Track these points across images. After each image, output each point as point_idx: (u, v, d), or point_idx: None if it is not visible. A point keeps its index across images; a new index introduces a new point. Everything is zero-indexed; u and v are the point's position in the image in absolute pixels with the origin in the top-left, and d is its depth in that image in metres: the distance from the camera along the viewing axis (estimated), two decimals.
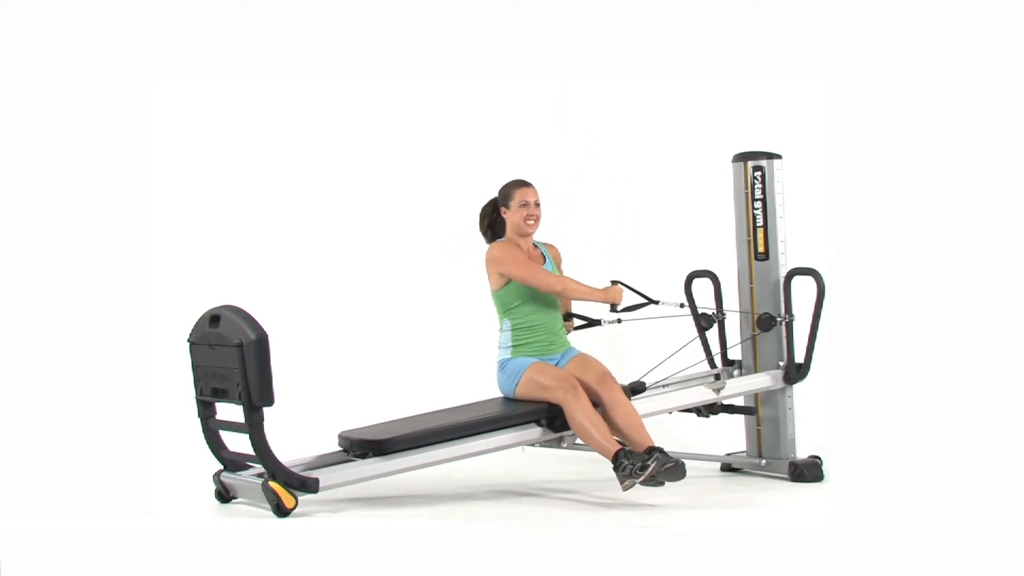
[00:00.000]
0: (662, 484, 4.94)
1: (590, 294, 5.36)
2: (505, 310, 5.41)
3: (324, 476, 4.92)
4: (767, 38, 6.81)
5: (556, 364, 5.36)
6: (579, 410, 5.11)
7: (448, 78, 7.18)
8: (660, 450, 4.98)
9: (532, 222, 5.40)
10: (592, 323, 5.62)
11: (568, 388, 5.15)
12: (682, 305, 5.63)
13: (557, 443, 5.38)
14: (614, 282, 5.44)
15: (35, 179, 6.66)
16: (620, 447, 5.02)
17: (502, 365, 5.40)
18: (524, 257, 5.35)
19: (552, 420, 5.24)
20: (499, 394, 5.49)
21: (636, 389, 5.35)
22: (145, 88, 6.88)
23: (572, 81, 7.16)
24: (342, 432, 5.25)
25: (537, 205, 5.42)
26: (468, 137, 7.28)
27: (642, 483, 4.90)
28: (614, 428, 5.14)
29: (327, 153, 7.26)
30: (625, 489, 4.96)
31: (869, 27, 6.33)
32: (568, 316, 5.60)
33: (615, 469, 4.98)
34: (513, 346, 5.39)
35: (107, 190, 6.76)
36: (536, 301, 5.37)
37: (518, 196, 5.40)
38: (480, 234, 5.56)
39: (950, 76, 6.02)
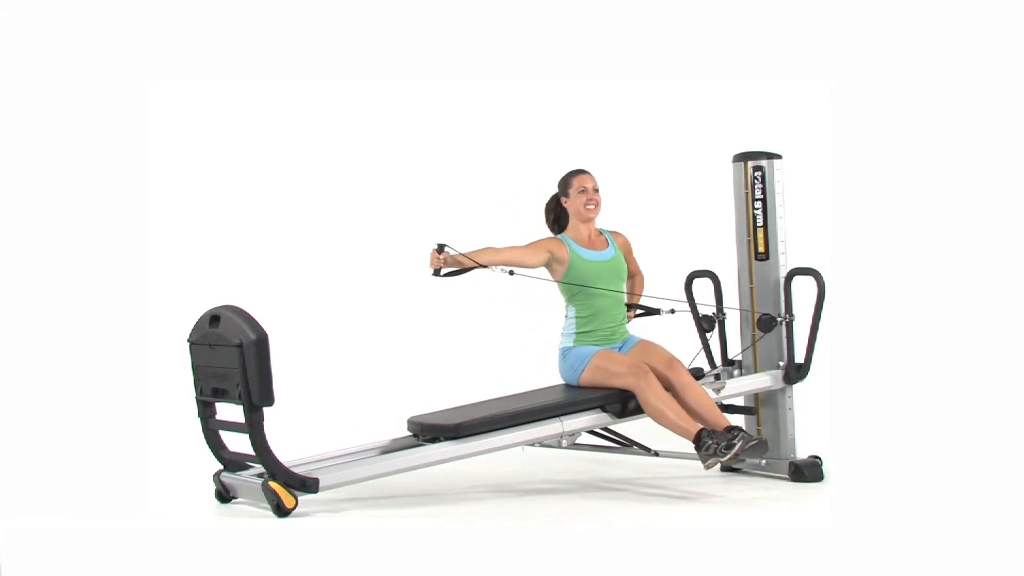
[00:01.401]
0: (743, 462, 5.07)
1: (470, 259, 5.24)
2: (569, 297, 5.48)
3: (324, 476, 4.92)
4: (767, 39, 6.81)
5: (619, 351, 5.40)
6: (652, 394, 5.17)
7: (448, 79, 7.18)
8: (741, 429, 5.08)
9: (592, 207, 5.49)
10: (650, 312, 5.69)
11: (640, 374, 5.20)
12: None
13: (557, 443, 5.39)
14: (440, 245, 5.30)
15: (36, 179, 6.67)
16: (701, 427, 5.10)
17: (564, 353, 5.46)
18: (525, 249, 5.39)
19: (624, 405, 5.29)
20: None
21: (696, 376, 5.44)
22: (146, 89, 6.89)
23: (572, 82, 7.16)
24: (411, 417, 5.30)
25: (596, 190, 5.51)
26: (468, 137, 7.28)
27: (726, 462, 5.01)
28: (687, 410, 5.21)
29: (327, 153, 7.27)
30: (708, 467, 5.06)
31: (869, 27, 6.33)
32: (628, 307, 5.63)
33: (698, 448, 5.06)
34: (577, 333, 5.45)
35: (108, 190, 6.77)
36: (598, 289, 5.41)
37: (576, 183, 5.50)
38: (547, 229, 5.63)
39: (950, 76, 6.02)
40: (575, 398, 5.32)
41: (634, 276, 5.67)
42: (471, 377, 6.54)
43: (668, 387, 5.25)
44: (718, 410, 5.23)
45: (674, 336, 5.67)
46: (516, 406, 5.28)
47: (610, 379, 5.30)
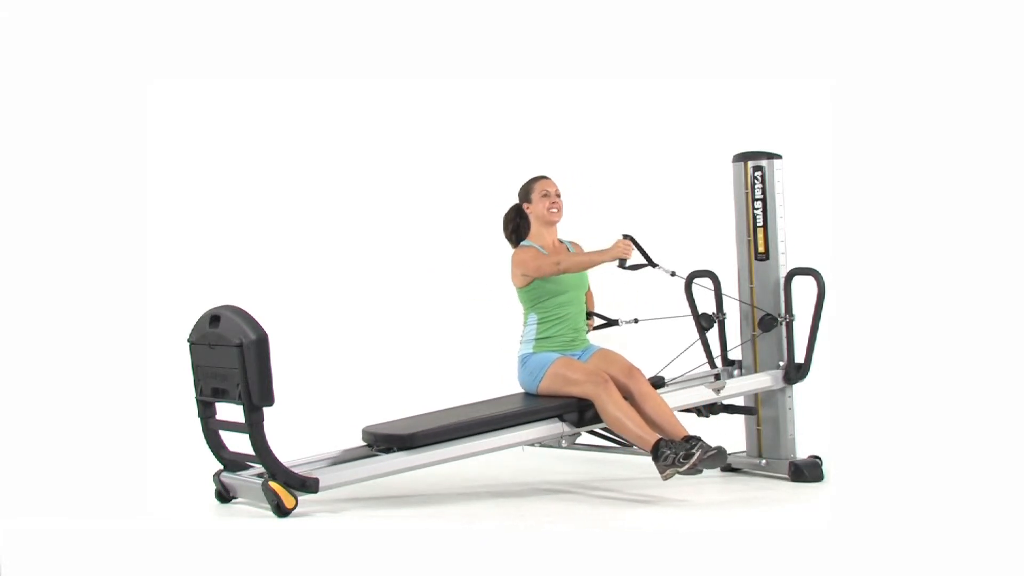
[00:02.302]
0: (701, 472, 4.98)
1: (598, 257, 5.32)
2: (532, 304, 5.44)
3: (324, 476, 4.92)
4: (768, 39, 6.81)
5: (579, 359, 5.38)
6: (611, 403, 5.13)
7: (448, 79, 7.18)
8: (699, 438, 5.02)
9: (556, 211, 5.45)
10: (610, 323, 5.62)
11: (599, 382, 5.17)
12: (673, 274, 5.60)
13: (557, 443, 5.38)
14: (625, 236, 5.42)
15: (37, 179, 6.67)
16: (659, 437, 5.05)
17: (524, 360, 5.42)
18: (537, 255, 5.37)
19: (581, 414, 5.25)
20: (513, 391, 5.52)
21: (656, 384, 5.37)
22: (146, 89, 6.89)
23: (573, 82, 7.16)
24: (366, 427, 5.26)
25: (558, 195, 5.47)
26: (468, 138, 7.28)
27: (683, 472, 4.94)
28: (646, 420, 5.16)
29: (327, 153, 7.27)
30: (666, 478, 5.00)
31: (869, 27, 6.33)
32: (588, 315, 5.60)
33: (655, 459, 5.00)
34: (537, 339, 5.41)
35: (108, 190, 6.77)
36: (562, 295, 5.40)
37: (538, 188, 5.47)
38: (506, 240, 5.59)
39: (950, 76, 6.02)
40: (534, 407, 5.26)
41: (587, 288, 5.62)
42: (471, 377, 6.53)
43: (627, 396, 5.20)
44: (677, 420, 5.17)
45: (646, 344, 5.62)
46: (473, 415, 5.20)
47: (569, 387, 5.25)
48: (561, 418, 5.26)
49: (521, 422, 5.20)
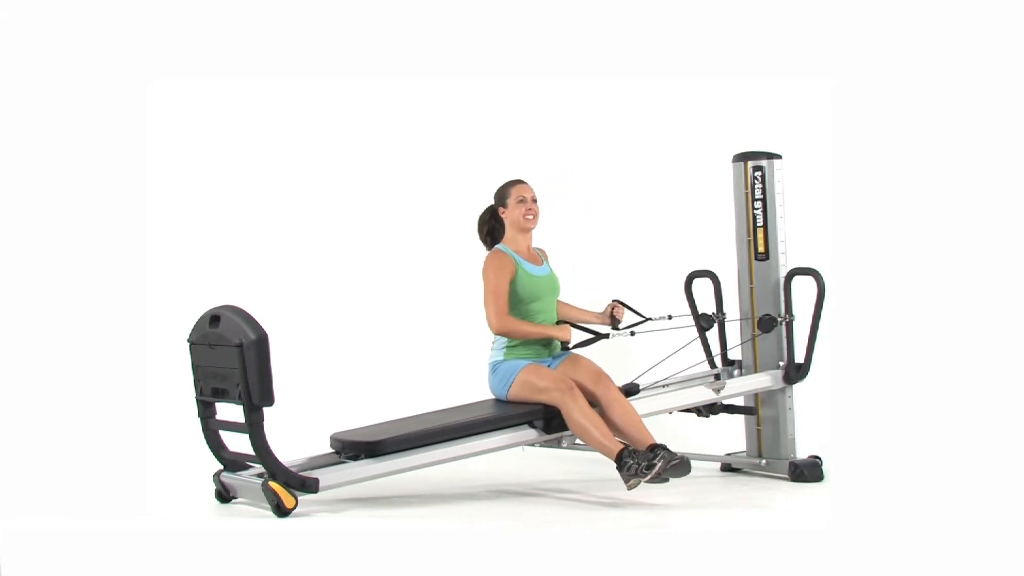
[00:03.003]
0: (667, 481, 4.95)
1: (539, 333, 5.35)
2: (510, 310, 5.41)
3: (324, 476, 4.92)
4: (767, 39, 6.80)
5: (549, 366, 5.35)
6: (577, 410, 5.10)
7: (448, 79, 7.18)
8: (663, 447, 4.97)
9: (531, 217, 5.42)
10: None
11: (564, 389, 5.14)
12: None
13: (557, 443, 5.38)
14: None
15: (36, 179, 6.67)
16: (623, 446, 5.01)
17: (494, 367, 5.39)
18: (500, 279, 5.33)
19: (548, 421, 5.23)
20: (490, 396, 5.49)
21: (629, 391, 5.32)
22: (146, 89, 6.89)
23: (572, 82, 7.16)
24: (334, 434, 5.24)
25: (534, 201, 5.44)
26: (468, 137, 7.28)
27: (647, 481, 4.90)
28: (612, 427, 5.12)
29: (327, 153, 7.26)
30: (630, 488, 4.95)
31: (869, 27, 6.33)
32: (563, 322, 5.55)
33: (619, 468, 4.96)
34: (508, 347, 5.37)
35: (108, 190, 6.77)
36: (533, 303, 5.38)
37: (515, 193, 5.44)
38: (480, 242, 5.57)
39: (950, 76, 6.02)
40: (502, 413, 5.25)
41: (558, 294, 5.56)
42: (471, 377, 6.53)
43: (595, 403, 5.18)
44: (644, 427, 5.13)
45: (648, 344, 5.62)
46: (441, 422, 5.19)
47: (536, 394, 5.22)
48: (532, 424, 5.24)
49: (492, 429, 5.19)
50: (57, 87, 6.70)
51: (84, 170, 6.73)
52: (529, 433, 5.24)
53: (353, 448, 5.10)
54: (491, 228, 5.53)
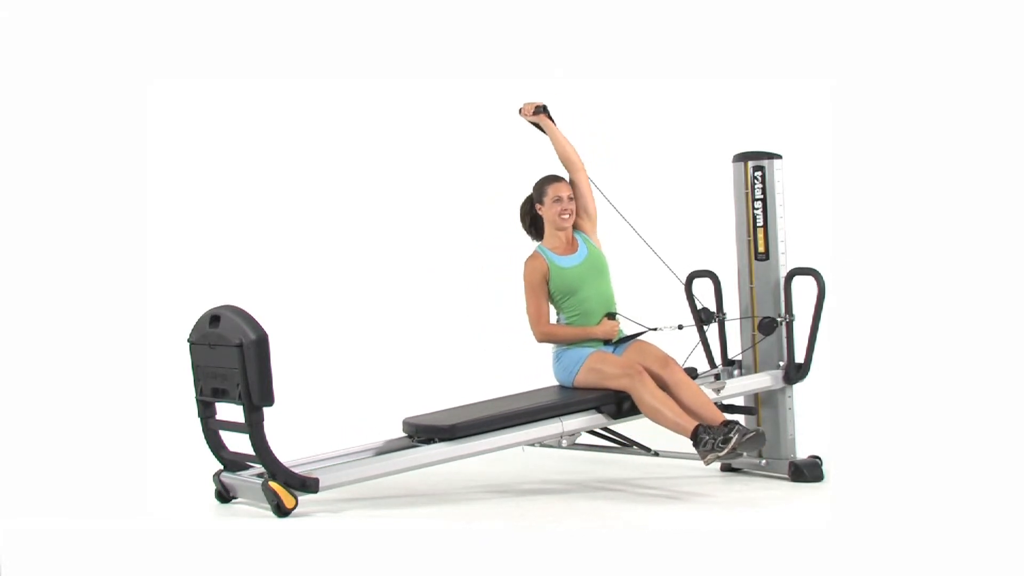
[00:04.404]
0: (741, 455, 5.08)
1: (580, 336, 5.41)
2: (557, 303, 5.48)
3: (324, 476, 4.92)
4: (767, 38, 6.81)
5: (613, 352, 5.39)
6: (648, 393, 5.17)
7: (448, 79, 7.18)
8: (737, 423, 5.07)
9: (567, 216, 5.47)
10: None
11: (634, 374, 5.21)
12: (680, 327, 5.62)
13: (557, 443, 5.38)
14: (610, 315, 5.47)
15: (36, 179, 6.67)
16: (697, 423, 5.09)
17: (558, 356, 5.46)
18: (533, 287, 5.42)
19: (619, 406, 5.29)
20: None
21: (690, 374, 5.40)
22: (146, 89, 6.89)
23: (572, 82, 7.16)
24: (407, 418, 5.29)
25: (571, 199, 5.48)
26: (467, 137, 7.28)
27: (723, 456, 5.01)
28: (683, 407, 5.20)
29: (327, 153, 7.26)
30: (707, 463, 5.06)
31: (869, 27, 6.32)
32: (612, 316, 5.57)
33: (696, 444, 5.06)
34: None
35: (108, 191, 6.76)
36: (578, 293, 5.41)
37: (551, 192, 5.48)
38: (524, 232, 5.62)
39: (951, 76, 6.02)
40: (571, 399, 5.31)
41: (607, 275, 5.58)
42: (470, 377, 6.54)
43: (663, 386, 5.25)
44: (714, 406, 5.22)
45: (672, 340, 5.64)
46: (512, 407, 5.28)
47: (605, 381, 5.30)
48: (599, 410, 5.31)
49: (564, 413, 5.26)
50: (57, 87, 6.70)
51: (84, 170, 6.73)
52: (599, 418, 5.31)
53: (427, 432, 5.15)
54: (533, 218, 5.59)
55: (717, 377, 5.69)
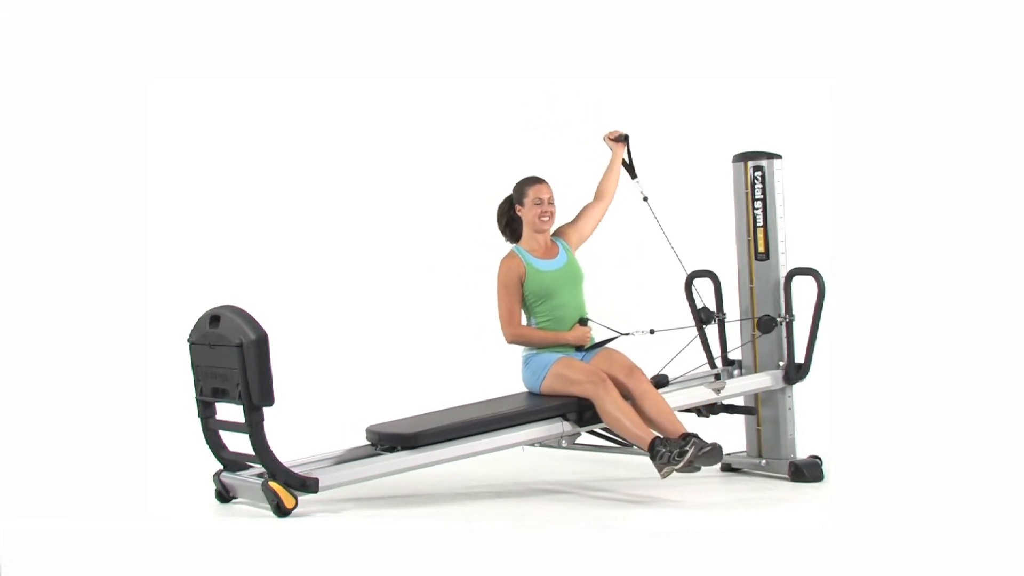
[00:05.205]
0: (699, 469, 4.99)
1: (551, 340, 5.39)
2: (530, 307, 5.45)
3: (324, 476, 4.92)
4: (767, 38, 6.81)
5: (581, 359, 5.38)
6: (610, 402, 5.14)
7: (447, 79, 7.18)
8: (695, 435, 5.02)
9: (547, 219, 5.44)
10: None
11: (597, 382, 5.18)
12: (652, 332, 5.59)
13: (557, 443, 5.38)
14: (582, 321, 5.46)
15: (36, 179, 6.67)
16: (656, 435, 5.06)
17: (527, 360, 5.43)
18: (506, 287, 5.39)
19: (581, 414, 5.27)
20: (514, 390, 5.52)
21: (660, 383, 5.36)
22: (146, 89, 6.89)
23: (572, 82, 7.16)
24: (370, 426, 5.26)
25: (551, 202, 5.45)
26: (467, 137, 7.28)
27: (679, 470, 4.95)
28: (645, 418, 5.16)
29: (327, 153, 7.27)
30: (664, 476, 5.00)
31: (869, 27, 6.33)
32: (584, 321, 5.55)
33: (652, 457, 5.01)
34: None
35: (108, 190, 6.77)
36: (553, 298, 5.39)
37: (531, 193, 5.45)
38: (500, 233, 5.59)
39: (950, 76, 6.02)
40: (537, 406, 5.28)
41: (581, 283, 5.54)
42: (471, 377, 6.53)
43: (627, 395, 5.21)
44: (676, 418, 5.18)
45: (650, 345, 5.62)
46: (473, 415, 5.22)
47: (569, 387, 5.26)
48: (564, 417, 5.27)
49: (526, 421, 5.22)
50: (57, 87, 6.71)
51: (84, 170, 6.74)
52: (563, 425, 5.28)
53: (389, 440, 5.12)
54: (510, 219, 5.55)
55: (717, 377, 5.69)
